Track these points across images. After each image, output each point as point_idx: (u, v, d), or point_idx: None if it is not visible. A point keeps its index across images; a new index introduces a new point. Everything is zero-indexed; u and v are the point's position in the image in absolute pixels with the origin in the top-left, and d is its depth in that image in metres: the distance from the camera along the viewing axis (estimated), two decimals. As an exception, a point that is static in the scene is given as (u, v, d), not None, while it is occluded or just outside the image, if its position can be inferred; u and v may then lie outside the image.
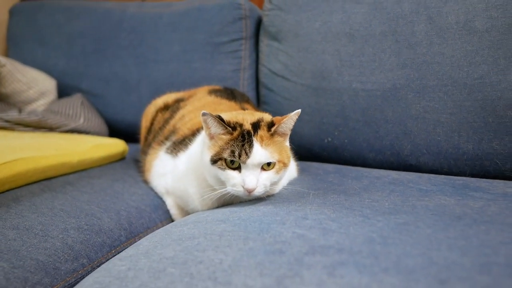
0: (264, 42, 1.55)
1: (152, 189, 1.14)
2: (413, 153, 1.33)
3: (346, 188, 1.07)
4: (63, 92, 1.75)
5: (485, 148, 1.22)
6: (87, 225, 0.84)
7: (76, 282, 0.73)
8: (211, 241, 0.70)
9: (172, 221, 1.07)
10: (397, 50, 1.31)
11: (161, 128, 1.20)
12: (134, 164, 1.33)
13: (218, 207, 0.98)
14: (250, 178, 0.84)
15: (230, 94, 1.26)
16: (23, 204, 0.85)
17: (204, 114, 0.86)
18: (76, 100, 1.59)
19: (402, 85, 1.31)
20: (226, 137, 0.87)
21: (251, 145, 0.84)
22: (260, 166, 0.86)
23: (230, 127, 0.87)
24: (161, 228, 0.85)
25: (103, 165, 1.22)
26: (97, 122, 1.56)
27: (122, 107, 1.67)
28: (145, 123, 1.31)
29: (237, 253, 0.65)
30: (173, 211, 1.07)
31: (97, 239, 0.82)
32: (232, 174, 0.86)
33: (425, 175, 1.22)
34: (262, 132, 0.86)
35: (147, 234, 0.95)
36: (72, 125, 1.45)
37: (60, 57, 1.78)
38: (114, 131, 1.68)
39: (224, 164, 0.86)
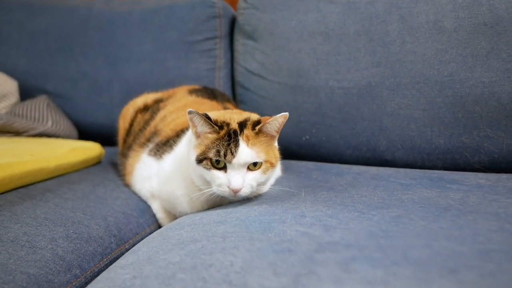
0: (239, 41, 1.54)
1: (135, 193, 1.09)
2: (388, 148, 1.36)
3: (332, 185, 1.08)
4: (26, 94, 1.64)
5: (455, 142, 1.28)
6: (75, 233, 0.79)
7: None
8: (216, 243, 0.68)
9: (159, 225, 1.04)
10: (371, 49, 1.34)
11: (141, 130, 1.16)
12: (111, 167, 1.27)
13: (208, 209, 0.96)
14: (236, 178, 0.83)
15: (211, 93, 1.24)
16: (2, 214, 0.79)
17: (190, 112, 0.83)
18: (41, 102, 1.50)
19: (377, 83, 1.34)
20: (212, 136, 0.85)
21: (237, 145, 0.83)
22: (246, 166, 0.84)
23: (217, 126, 0.85)
24: (155, 233, 0.82)
25: (80, 169, 1.15)
26: (66, 125, 1.48)
27: (92, 109, 1.59)
28: (123, 124, 1.25)
29: (246, 254, 0.63)
30: (160, 215, 1.04)
31: (88, 248, 0.78)
32: (218, 174, 0.84)
33: (402, 170, 1.27)
34: (248, 131, 0.85)
35: (136, 240, 0.91)
36: (40, 128, 1.36)
37: (21, 57, 1.67)
38: (84, 135, 1.60)
39: (209, 164, 0.84)
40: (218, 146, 0.83)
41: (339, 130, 1.41)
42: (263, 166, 0.87)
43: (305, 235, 0.70)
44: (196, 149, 0.87)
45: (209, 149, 0.84)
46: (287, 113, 0.87)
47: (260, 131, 0.86)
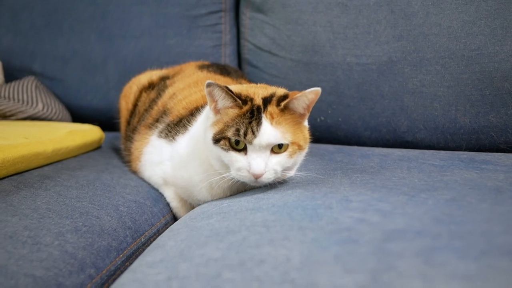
0: (246, 14, 1.41)
1: (144, 180, 0.97)
2: (410, 129, 1.28)
3: (363, 167, 0.98)
4: (10, 75, 1.48)
5: (481, 121, 1.20)
6: (85, 226, 0.67)
7: (86, 300, 0.57)
8: (259, 234, 0.57)
9: (174, 215, 0.92)
10: (392, 21, 1.24)
11: (147, 110, 1.03)
12: (114, 152, 1.14)
13: (231, 195, 0.84)
14: (257, 162, 0.72)
15: (223, 69, 1.12)
16: (-4, 205, 0.66)
17: (209, 85, 0.72)
18: (28, 83, 1.34)
19: (399, 58, 1.24)
20: (233, 112, 0.74)
21: (259, 123, 0.71)
22: (270, 148, 0.73)
23: (241, 99, 0.74)
24: (177, 224, 0.71)
25: (79, 155, 1.02)
26: (59, 108, 1.33)
27: (86, 91, 1.45)
28: (125, 104, 1.12)
29: (302, 247, 0.53)
30: (175, 203, 0.92)
31: (102, 242, 0.66)
32: (237, 156, 0.73)
33: (427, 151, 1.18)
34: (272, 108, 0.74)
35: (152, 232, 0.79)
36: (30, 111, 1.22)
37: (3, 34, 1.50)
38: (77, 119, 1.45)
39: (227, 144, 0.73)
40: (238, 124, 0.72)
41: (357, 110, 1.31)
42: (290, 149, 0.75)
43: (363, 222, 0.59)
44: (213, 127, 0.76)
45: (228, 127, 0.73)
46: (319, 89, 0.75)
47: (286, 107, 0.75)
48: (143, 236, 0.76)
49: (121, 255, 0.68)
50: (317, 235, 0.56)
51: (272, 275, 0.47)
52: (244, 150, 0.74)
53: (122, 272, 0.66)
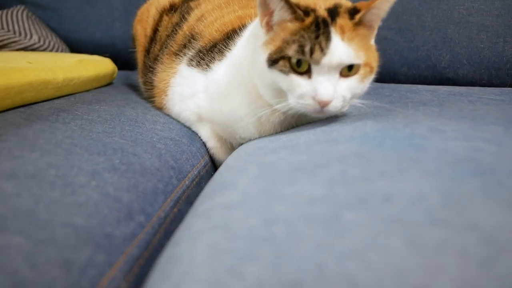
0: None
1: (172, 117, 0.81)
2: (451, 64, 1.14)
3: (421, 101, 0.85)
4: (-5, 4, 1.25)
5: (531, 54, 1.07)
6: (123, 164, 0.51)
7: (140, 258, 0.43)
8: (360, 167, 0.43)
9: (211, 156, 0.77)
10: None
11: (170, 36, 0.85)
12: (129, 88, 0.97)
13: (281, 132, 0.70)
14: (325, 86, 0.58)
15: (254, -11, 0.93)
16: (7, 139, 0.50)
17: None
18: (18, 13, 1.13)
19: (444, -17, 1.08)
20: (294, 25, 0.58)
21: (328, 38, 0.56)
22: (339, 70, 0.58)
23: (301, 10, 0.58)
24: (232, 161, 0.56)
25: (91, 90, 0.85)
26: (56, 41, 1.13)
27: (86, 23, 1.24)
28: (143, 31, 0.93)
29: (430, 180, 0.39)
30: (213, 143, 0.77)
31: (148, 184, 0.51)
32: (299, 80, 0.58)
33: (473, 88, 1.05)
34: (343, 20, 0.58)
35: (194, 175, 0.65)
36: (25, 43, 1.02)
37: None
38: (77, 55, 1.25)
39: (287, 65, 0.58)
40: (301, 39, 0.57)
41: (394, 44, 1.16)
42: (361, 71, 0.61)
43: (480, 151, 0.46)
44: (267, 47, 0.61)
45: (288, 44, 0.58)
46: None
47: (360, 21, 0.59)
48: (186, 178, 0.61)
49: (169, 199, 0.53)
50: (438, 166, 0.42)
51: (413, 215, 0.34)
52: (307, 73, 0.59)
53: (172, 219, 0.52)
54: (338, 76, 0.59)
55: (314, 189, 0.39)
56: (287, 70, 0.59)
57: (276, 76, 0.60)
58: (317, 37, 0.57)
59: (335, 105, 0.60)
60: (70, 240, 0.37)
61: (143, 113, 0.75)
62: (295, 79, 0.59)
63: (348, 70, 0.60)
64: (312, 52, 0.57)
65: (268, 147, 0.58)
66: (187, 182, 0.61)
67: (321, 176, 0.42)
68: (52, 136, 0.53)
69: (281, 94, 0.62)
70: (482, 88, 1.05)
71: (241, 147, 0.67)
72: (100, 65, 0.87)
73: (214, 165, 0.78)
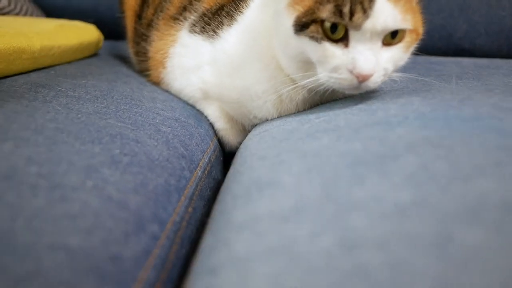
0: None
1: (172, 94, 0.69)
2: (468, 34, 1.05)
3: (454, 73, 0.75)
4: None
5: (554, 23, 0.98)
6: (125, 154, 0.39)
7: (156, 282, 0.32)
8: (443, 159, 0.33)
9: (219, 140, 0.66)
10: None
11: (166, -3, 0.71)
12: (117, 60, 0.83)
13: (304, 110, 0.59)
14: (366, 56, 0.47)
15: None
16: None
17: None
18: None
19: None
20: None
21: None
22: (382, 37, 0.48)
23: None
24: (255, 149, 0.45)
25: (74, 61, 0.71)
26: (29, 6, 0.96)
27: (62, -16, 1.07)
28: (133, -9, 0.79)
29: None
30: (221, 124, 0.65)
31: (158, 180, 0.38)
32: (333, 49, 0.47)
33: (495, 60, 0.96)
34: None
35: (205, 163, 0.53)
36: (-9, 6, 0.85)
37: None
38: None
39: (320, 31, 0.47)
40: None
41: (407, 12, 1.04)
42: (407, 38, 0.50)
43: None
44: (293, 8, 0.49)
45: (321, 4, 0.46)
46: None
47: None
48: (198, 168, 0.50)
49: (183, 198, 0.42)
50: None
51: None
52: (343, 40, 0.48)
53: (188, 222, 0.41)
54: (381, 45, 0.48)
55: (396, 193, 0.29)
56: (320, 37, 0.48)
57: (305, 45, 0.49)
58: None
59: (376, 80, 0.49)
60: (63, 272, 0.26)
61: (138, 89, 0.63)
62: (329, 48, 0.48)
63: (392, 37, 0.49)
64: (352, 13, 0.45)
65: (301, 131, 0.47)
66: (199, 173, 0.49)
67: (395, 172, 0.32)
68: (31, 120, 0.40)
69: (308, 66, 0.51)
70: (505, 60, 0.96)
71: (261, 129, 0.55)
72: (83, 32, 0.72)
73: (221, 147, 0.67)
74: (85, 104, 0.49)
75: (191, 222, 0.42)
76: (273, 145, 0.45)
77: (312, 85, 0.52)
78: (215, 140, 0.62)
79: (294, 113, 0.59)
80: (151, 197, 0.37)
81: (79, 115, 0.45)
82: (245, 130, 0.65)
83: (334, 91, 0.53)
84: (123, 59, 0.82)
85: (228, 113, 0.65)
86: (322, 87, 0.52)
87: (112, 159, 0.38)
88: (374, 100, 0.54)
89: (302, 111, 0.59)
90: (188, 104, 0.66)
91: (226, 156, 0.66)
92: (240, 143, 0.64)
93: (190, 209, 0.43)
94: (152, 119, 0.51)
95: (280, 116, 0.59)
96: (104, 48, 0.90)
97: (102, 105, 0.50)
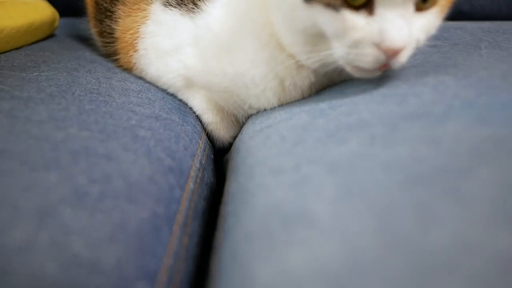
0: None
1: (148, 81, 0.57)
2: (466, -5, 0.96)
3: (467, 41, 0.66)
4: None
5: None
6: (93, 182, 0.28)
7: None
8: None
9: (208, 134, 0.55)
10: None
11: (132, -38, 0.58)
12: (77, 42, 0.70)
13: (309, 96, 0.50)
14: (398, 25, 0.37)
15: None
16: None
17: None
18: None
19: None
20: None
21: None
22: (413, 2, 0.37)
23: None
24: (294, 161, 0.35)
25: (23, 46, 0.57)
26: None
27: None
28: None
29: None
30: (210, 117, 0.54)
31: (141, 215, 0.28)
32: (354, 19, 0.37)
33: (499, 23, 0.88)
34: None
35: (196, 168, 0.43)
36: None
37: None
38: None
39: None
40: None
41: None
42: (441, 1, 0.41)
43: None
44: None
45: None
46: None
47: None
48: (190, 179, 0.40)
49: (175, 228, 0.32)
50: None
51: None
52: (366, 6, 0.38)
53: (184, 259, 0.31)
54: (413, 10, 0.38)
55: (493, 238, 0.20)
56: (338, 4, 0.37)
57: (317, 15, 0.39)
58: None
59: (406, 55, 0.40)
60: None
61: (106, 79, 0.51)
62: (349, 17, 0.37)
63: (423, 0, 0.39)
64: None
65: (317, 128, 0.37)
66: (191, 185, 0.39)
67: (475, 197, 0.23)
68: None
69: (317, 41, 0.41)
70: (508, 23, 0.89)
71: (262, 123, 0.45)
72: (33, 10, 0.58)
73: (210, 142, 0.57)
74: (36, 107, 0.37)
75: (188, 258, 0.32)
76: (286, 150, 0.35)
77: (328, 61, 0.41)
78: (204, 137, 0.52)
79: (297, 100, 0.49)
80: (133, 244, 0.26)
81: (28, 126, 0.33)
82: (238, 121, 0.54)
83: (343, 71, 0.43)
84: (85, 41, 0.68)
85: (217, 103, 0.54)
86: (333, 65, 0.42)
87: (76, 192, 0.27)
88: (395, 81, 0.44)
89: (306, 97, 0.49)
90: (168, 93, 0.55)
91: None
92: (233, 138, 0.54)
93: (185, 240, 0.33)
94: (126, 120, 0.40)
95: (281, 105, 0.49)
96: (61, 27, 0.75)
97: (60, 107, 0.38)
